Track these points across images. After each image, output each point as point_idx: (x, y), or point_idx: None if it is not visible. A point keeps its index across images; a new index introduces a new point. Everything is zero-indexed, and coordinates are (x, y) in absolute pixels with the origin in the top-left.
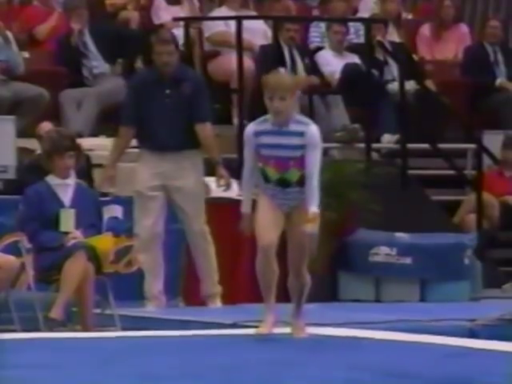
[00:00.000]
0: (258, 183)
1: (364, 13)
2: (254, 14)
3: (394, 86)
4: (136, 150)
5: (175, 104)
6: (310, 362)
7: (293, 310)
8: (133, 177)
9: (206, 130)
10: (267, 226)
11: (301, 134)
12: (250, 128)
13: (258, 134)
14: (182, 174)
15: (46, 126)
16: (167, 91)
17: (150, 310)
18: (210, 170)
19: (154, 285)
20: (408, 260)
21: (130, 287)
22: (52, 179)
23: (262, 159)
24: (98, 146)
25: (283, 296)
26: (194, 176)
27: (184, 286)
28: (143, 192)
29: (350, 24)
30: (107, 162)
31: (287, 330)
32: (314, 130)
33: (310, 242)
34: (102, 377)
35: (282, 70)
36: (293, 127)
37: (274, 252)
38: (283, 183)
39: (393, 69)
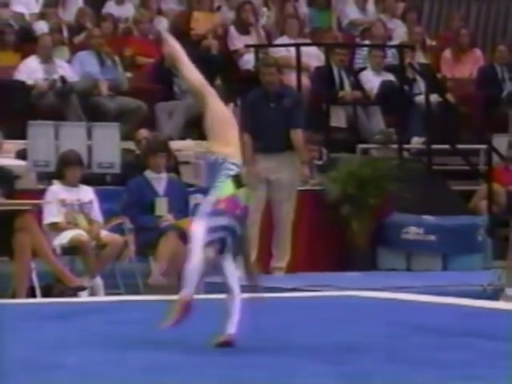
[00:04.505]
0: None
1: (396, 40)
2: (309, 41)
3: (420, 99)
4: None
5: (277, 115)
6: (354, 319)
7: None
8: None
9: (297, 135)
10: None
11: None
12: None
13: None
14: (281, 169)
15: (144, 133)
16: (271, 105)
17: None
18: None
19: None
20: (433, 237)
21: None
22: (149, 173)
23: None
24: (185, 147)
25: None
26: (290, 171)
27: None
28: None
29: (387, 48)
30: (246, 163)
31: (336, 293)
32: None
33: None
34: (191, 332)
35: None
36: None
37: None
38: None
39: (420, 85)
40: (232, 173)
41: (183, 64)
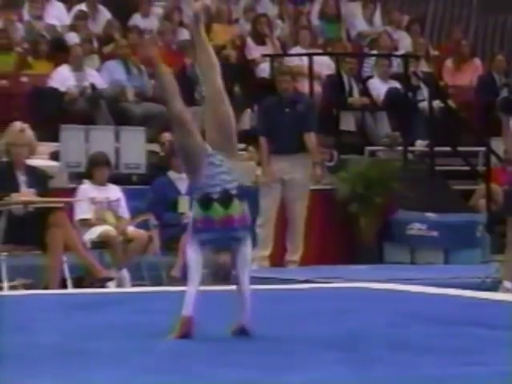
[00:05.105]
0: None
1: (402, 50)
2: (321, 51)
3: (424, 105)
4: None
5: (292, 119)
6: (362, 309)
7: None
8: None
9: (310, 138)
10: None
11: None
12: None
13: None
14: (294, 170)
15: (167, 136)
16: (286, 110)
17: (253, 268)
18: None
19: (262, 251)
20: (435, 233)
21: None
22: (172, 174)
23: None
24: None
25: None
26: (303, 171)
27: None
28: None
29: (393, 58)
30: (263, 165)
31: (345, 285)
32: None
33: None
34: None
35: None
36: None
37: None
38: None
39: (424, 92)
40: (196, 197)
41: (159, 69)
